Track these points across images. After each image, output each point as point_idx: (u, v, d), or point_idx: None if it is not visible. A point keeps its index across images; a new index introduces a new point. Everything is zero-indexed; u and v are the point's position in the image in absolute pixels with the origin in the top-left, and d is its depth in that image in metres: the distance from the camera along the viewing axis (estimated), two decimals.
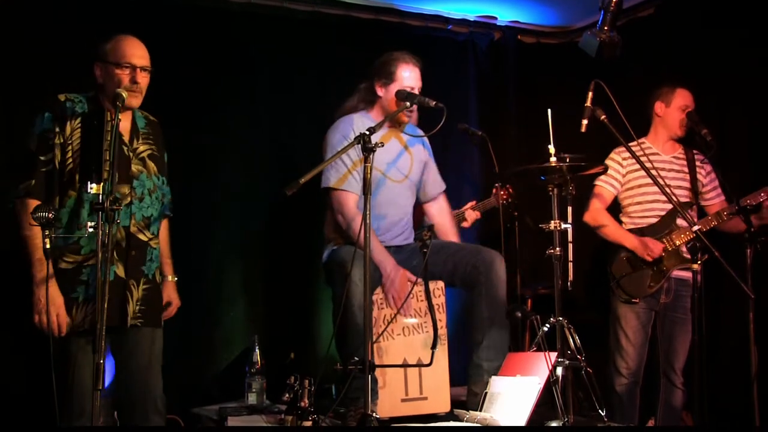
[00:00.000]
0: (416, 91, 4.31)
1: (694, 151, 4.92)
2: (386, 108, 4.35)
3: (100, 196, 3.12)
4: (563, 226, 4.05)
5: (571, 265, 4.08)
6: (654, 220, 4.81)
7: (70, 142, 3.51)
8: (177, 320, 3.94)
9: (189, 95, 5.11)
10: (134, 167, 3.65)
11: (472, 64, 6.20)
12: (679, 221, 4.75)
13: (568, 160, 3.97)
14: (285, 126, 5.51)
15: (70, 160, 3.50)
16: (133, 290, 3.57)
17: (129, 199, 3.59)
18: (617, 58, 4.27)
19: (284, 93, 5.50)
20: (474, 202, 5.28)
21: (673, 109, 4.86)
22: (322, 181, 4.26)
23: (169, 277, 3.89)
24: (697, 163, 4.89)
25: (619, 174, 4.89)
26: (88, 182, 3.32)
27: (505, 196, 5.27)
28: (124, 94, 3.45)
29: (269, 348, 4.56)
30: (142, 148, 3.70)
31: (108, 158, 3.23)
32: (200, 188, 5.17)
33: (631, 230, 4.84)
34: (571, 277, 4.05)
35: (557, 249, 4.04)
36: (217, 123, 5.28)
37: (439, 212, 4.70)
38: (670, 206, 4.70)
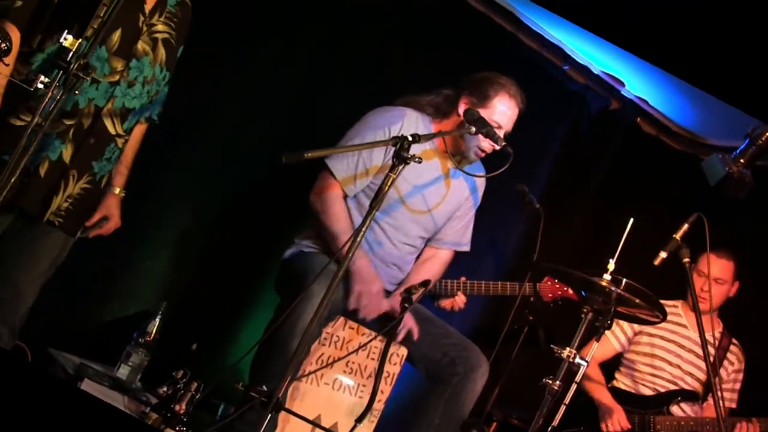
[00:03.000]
0: (501, 133, 4.35)
1: (734, 341, 5.00)
2: (465, 142, 4.39)
3: (71, 53, 3.11)
4: (578, 360, 4.05)
5: (563, 408, 4.08)
6: (648, 392, 4.89)
7: None
8: (93, 244, 3.96)
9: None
10: (141, 45, 3.67)
11: (569, 121, 6.23)
12: (674, 408, 4.83)
13: (622, 288, 3.98)
14: (320, 93, 5.55)
15: None
16: (69, 183, 3.59)
17: (117, 78, 3.61)
18: (738, 199, 4.31)
19: (328, 55, 5.55)
20: (464, 279, 5.23)
21: (696, 278, 4.92)
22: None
23: (117, 190, 3.92)
24: (729, 354, 4.96)
25: (631, 331, 4.99)
26: (66, 31, 3.32)
27: (553, 294, 5.28)
28: None
29: (174, 325, 4.57)
30: (160, 27, 3.72)
31: (102, 15, 3.25)
32: (197, 116, 5.21)
33: (618, 389, 4.94)
34: (556, 421, 4.06)
35: (557, 383, 4.05)
36: (245, 63, 5.33)
37: (433, 262, 4.73)
38: (672, 383, 4.79)
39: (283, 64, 5.42)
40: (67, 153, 3.56)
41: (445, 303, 4.94)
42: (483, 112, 4.29)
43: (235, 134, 5.34)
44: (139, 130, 3.92)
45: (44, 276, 3.70)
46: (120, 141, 3.74)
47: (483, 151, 4.40)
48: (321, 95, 5.53)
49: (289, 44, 5.43)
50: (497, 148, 4.26)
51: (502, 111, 4.39)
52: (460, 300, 4.90)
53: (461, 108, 4.39)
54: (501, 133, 4.32)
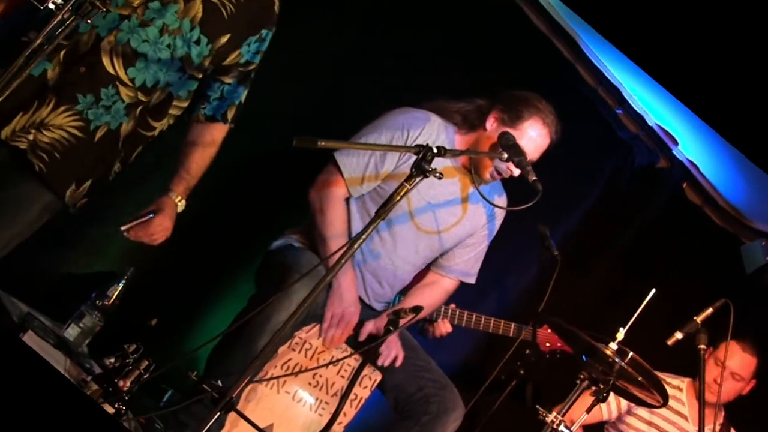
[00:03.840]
0: (529, 154, 4.31)
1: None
2: (480, 144, 4.35)
3: None
4: (562, 428, 4.02)
5: None
6: None
7: None
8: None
9: None
10: None
11: (610, 170, 6.22)
12: None
13: (627, 361, 3.95)
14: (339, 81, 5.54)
15: None
16: (44, 107, 3.51)
17: (129, 12, 3.56)
18: None
19: (365, 44, 5.54)
20: (453, 306, 5.21)
21: (711, 365, 4.92)
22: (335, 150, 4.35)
23: (175, 196, 3.90)
24: None
25: (626, 405, 5.00)
26: None
27: (552, 345, 5.26)
28: None
29: (137, 295, 4.52)
30: None
31: None
32: None
33: None
34: None
35: None
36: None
37: (434, 289, 4.69)
38: None
39: (313, 45, 5.40)
40: (51, 73, 3.47)
41: (428, 327, 4.94)
42: (514, 132, 4.27)
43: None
44: (210, 131, 3.89)
45: (17, 238, 3.66)
46: (126, 92, 3.59)
47: (499, 174, 4.37)
48: (346, 86, 5.52)
49: (329, 24, 5.43)
50: (514, 174, 4.24)
51: (532, 137, 4.35)
52: (443, 327, 4.89)
53: (489, 122, 4.38)
54: (527, 158, 4.30)
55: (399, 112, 4.40)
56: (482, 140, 4.38)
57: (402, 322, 3.97)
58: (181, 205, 3.91)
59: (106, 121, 3.62)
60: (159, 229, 3.88)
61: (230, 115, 3.92)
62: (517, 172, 4.30)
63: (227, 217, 5.42)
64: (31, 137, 3.51)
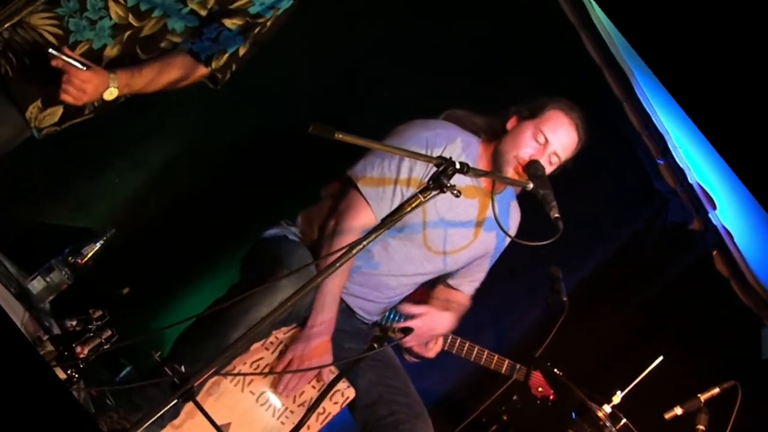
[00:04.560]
0: (555, 157, 4.34)
1: None
2: (503, 152, 4.33)
3: None
4: None
5: None
6: None
7: None
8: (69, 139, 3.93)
9: None
10: None
11: (639, 222, 6.22)
12: None
13: (618, 428, 3.94)
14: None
15: None
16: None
17: None
18: None
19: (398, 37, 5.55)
20: None
21: None
22: (351, 166, 4.33)
23: (112, 77, 3.56)
24: None
25: None
26: None
27: (544, 390, 5.25)
28: None
29: (113, 260, 4.51)
30: None
31: None
32: None
33: None
34: None
35: None
36: None
37: (453, 307, 4.69)
38: None
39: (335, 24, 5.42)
40: None
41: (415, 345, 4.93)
42: (531, 126, 4.31)
43: (255, 83, 5.33)
44: (187, 62, 3.71)
45: None
46: (116, 10, 3.49)
47: (520, 164, 4.32)
48: (366, 71, 5.53)
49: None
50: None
51: (554, 125, 4.36)
52: (431, 349, 4.87)
53: (510, 123, 4.38)
54: (548, 151, 4.30)
55: (422, 127, 4.36)
56: (505, 142, 4.38)
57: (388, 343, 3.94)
58: (111, 92, 3.53)
59: (88, 38, 3.55)
60: (78, 82, 3.44)
61: (216, 62, 3.77)
62: (550, 162, 4.29)
63: (222, 195, 5.42)
64: (6, 35, 3.46)
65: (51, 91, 3.53)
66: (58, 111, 3.63)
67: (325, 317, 4.20)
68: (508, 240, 4.69)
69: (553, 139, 4.33)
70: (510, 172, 4.34)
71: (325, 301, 4.19)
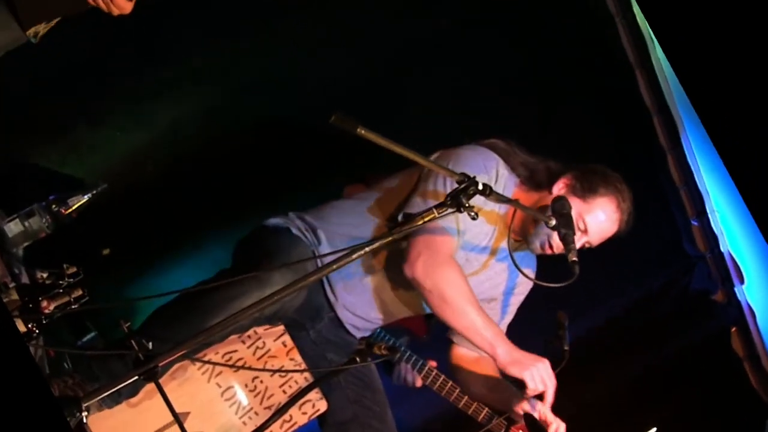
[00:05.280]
0: (587, 244, 4.35)
1: None
2: (538, 221, 4.31)
3: None
4: None
5: None
6: None
7: None
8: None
9: None
10: None
11: (659, 281, 6.21)
12: None
13: None
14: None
15: None
16: None
17: None
18: None
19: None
20: (434, 364, 5.18)
21: None
22: (405, 207, 4.30)
23: None
24: None
25: None
26: None
27: None
28: None
29: (99, 216, 4.53)
30: None
31: None
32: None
33: None
34: None
35: None
36: None
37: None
38: None
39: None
40: None
41: (399, 367, 4.93)
42: (578, 205, 4.24)
43: (280, 68, 5.36)
44: None
45: None
46: None
47: (551, 248, 4.33)
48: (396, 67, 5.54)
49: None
50: (553, 251, 4.22)
51: (599, 217, 4.32)
52: (415, 380, 4.88)
53: (558, 186, 4.32)
54: (582, 240, 4.27)
55: (475, 152, 4.35)
56: (540, 206, 4.34)
57: (371, 360, 3.93)
58: None
59: None
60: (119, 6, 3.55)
61: None
62: (557, 248, 4.27)
63: (226, 174, 5.42)
64: None
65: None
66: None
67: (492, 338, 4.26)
68: (518, 294, 4.71)
69: (594, 230, 4.32)
70: (536, 247, 4.36)
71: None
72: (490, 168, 4.29)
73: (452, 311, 4.18)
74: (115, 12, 3.50)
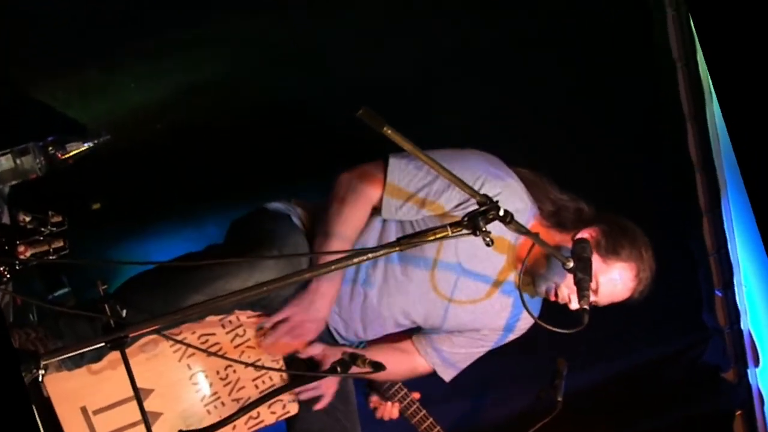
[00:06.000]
0: (599, 294, 4.33)
1: None
2: (550, 265, 4.29)
3: None
4: None
5: None
6: None
7: None
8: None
9: None
10: None
11: (670, 347, 6.20)
12: None
13: None
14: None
15: None
16: None
17: None
18: None
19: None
20: (417, 396, 5.17)
21: None
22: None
23: None
24: None
25: None
26: None
27: None
28: None
29: (96, 168, 4.54)
30: None
31: None
32: None
33: None
34: None
35: None
36: None
37: (403, 360, 4.71)
38: None
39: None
40: None
41: (375, 400, 4.92)
42: (596, 263, 4.17)
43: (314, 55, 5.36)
44: None
45: None
46: None
47: (556, 295, 4.32)
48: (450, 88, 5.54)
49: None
50: (564, 300, 4.21)
51: (614, 280, 4.32)
52: (389, 412, 4.87)
53: (582, 235, 4.32)
54: (591, 298, 4.24)
55: (485, 158, 4.35)
56: (557, 246, 4.32)
57: (352, 370, 3.95)
58: None
59: None
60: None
61: None
62: (562, 299, 4.27)
63: (237, 149, 5.42)
64: None
65: None
66: None
67: (326, 287, 4.23)
68: (515, 335, 4.71)
69: (605, 292, 4.32)
70: (542, 290, 4.37)
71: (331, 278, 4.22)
72: (519, 197, 4.32)
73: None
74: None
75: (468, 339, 4.63)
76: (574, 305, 4.16)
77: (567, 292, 4.25)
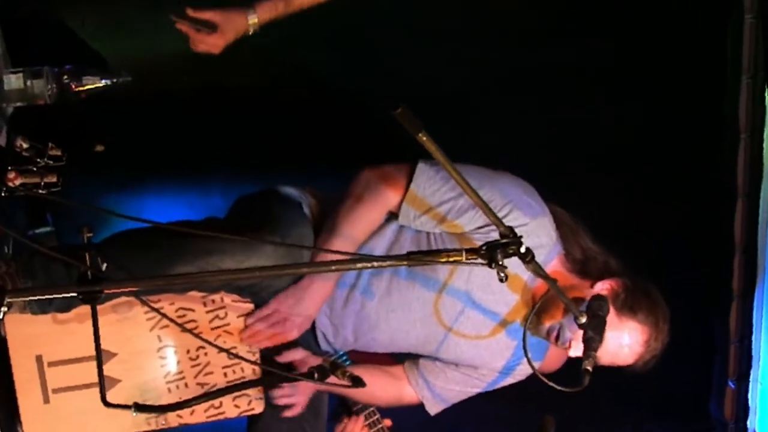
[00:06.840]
0: (601, 351, 4.25)
1: None
2: (560, 308, 4.27)
3: None
4: None
5: None
6: None
7: None
8: None
9: None
10: None
11: (667, 430, 6.18)
12: None
13: None
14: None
15: None
16: None
17: None
18: None
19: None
20: (389, 424, 5.17)
21: None
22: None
23: (251, 16, 4.09)
24: None
25: None
26: None
27: None
28: None
29: (110, 107, 4.53)
30: None
31: None
32: None
33: None
34: None
35: None
36: None
37: (390, 385, 4.72)
38: None
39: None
40: None
41: (345, 417, 4.91)
42: (609, 316, 4.18)
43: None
44: None
45: None
46: None
47: (557, 339, 4.30)
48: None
49: None
50: (570, 353, 4.20)
51: (622, 341, 4.29)
52: (357, 428, 4.86)
53: (601, 285, 4.30)
54: (602, 343, 4.24)
55: (519, 184, 4.33)
56: (579, 295, 4.31)
57: (331, 379, 3.93)
58: (251, 27, 4.03)
59: None
60: (208, 43, 4.11)
61: None
62: (562, 344, 4.26)
63: (263, 123, 5.43)
64: None
65: None
66: None
67: (318, 285, 4.21)
68: (512, 380, 4.69)
69: (609, 349, 4.23)
70: (543, 330, 4.33)
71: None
72: (546, 233, 4.31)
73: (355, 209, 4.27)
74: (201, 48, 3.95)
75: (464, 376, 4.62)
76: (573, 353, 4.14)
77: (569, 336, 4.23)
